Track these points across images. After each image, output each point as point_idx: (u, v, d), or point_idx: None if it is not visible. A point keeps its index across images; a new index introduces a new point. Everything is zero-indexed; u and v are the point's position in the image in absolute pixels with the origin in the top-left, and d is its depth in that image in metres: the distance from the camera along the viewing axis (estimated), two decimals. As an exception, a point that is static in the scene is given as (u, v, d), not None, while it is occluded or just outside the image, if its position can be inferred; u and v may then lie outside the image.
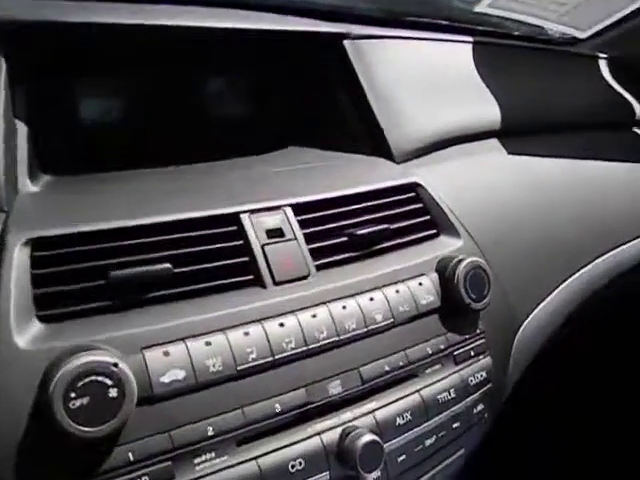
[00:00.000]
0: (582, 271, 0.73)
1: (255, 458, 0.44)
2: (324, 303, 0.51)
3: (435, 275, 0.59)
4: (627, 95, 1.05)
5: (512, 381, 0.65)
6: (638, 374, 1.21)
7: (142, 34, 0.64)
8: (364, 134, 0.72)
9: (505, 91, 0.90)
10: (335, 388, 0.49)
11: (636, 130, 1.00)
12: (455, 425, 0.56)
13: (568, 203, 0.79)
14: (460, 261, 0.58)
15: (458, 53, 0.91)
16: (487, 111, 0.85)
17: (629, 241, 0.80)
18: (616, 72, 1.09)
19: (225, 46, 0.72)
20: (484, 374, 0.59)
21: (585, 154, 0.89)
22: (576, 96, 1.02)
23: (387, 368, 0.52)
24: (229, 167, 0.68)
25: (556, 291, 0.70)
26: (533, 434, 1.20)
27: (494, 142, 0.82)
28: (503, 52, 1.02)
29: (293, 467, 0.45)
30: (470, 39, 0.95)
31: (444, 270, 0.59)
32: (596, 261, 0.75)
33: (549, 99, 0.98)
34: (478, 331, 0.60)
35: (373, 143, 0.71)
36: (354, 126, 0.73)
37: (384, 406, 0.51)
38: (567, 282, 0.71)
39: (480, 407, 0.58)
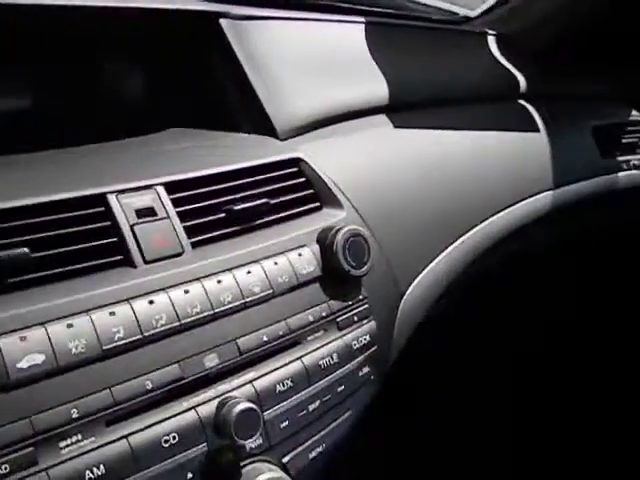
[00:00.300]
0: (462, 239, 0.77)
1: (125, 437, 0.44)
2: (198, 279, 0.51)
3: (316, 246, 0.60)
4: (513, 69, 1.10)
5: (399, 346, 0.67)
6: (520, 341, 1.29)
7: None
8: (247, 113, 0.72)
9: (395, 69, 0.93)
10: (211, 361, 0.50)
11: (521, 102, 1.05)
12: (340, 389, 0.57)
13: (453, 174, 0.82)
14: (339, 230, 0.60)
15: (348, 34, 0.93)
16: (376, 88, 0.87)
17: (506, 208, 0.84)
18: (503, 47, 1.15)
19: (101, 27, 0.70)
20: (368, 338, 0.61)
21: (472, 126, 0.93)
22: (466, 71, 1.06)
23: (266, 338, 0.53)
24: (109, 149, 0.66)
25: (439, 258, 0.73)
26: (421, 397, 1.24)
27: (382, 118, 0.84)
28: (395, 32, 1.04)
29: (167, 442, 0.45)
30: (362, 20, 0.97)
31: (324, 240, 0.60)
32: (475, 229, 0.78)
33: (440, 75, 1.02)
34: (361, 297, 0.62)
35: (256, 122, 0.71)
36: (237, 106, 0.73)
37: (264, 375, 0.52)
38: (449, 249, 0.75)
39: (366, 370, 0.60)
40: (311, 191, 0.65)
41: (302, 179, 0.65)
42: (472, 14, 1.28)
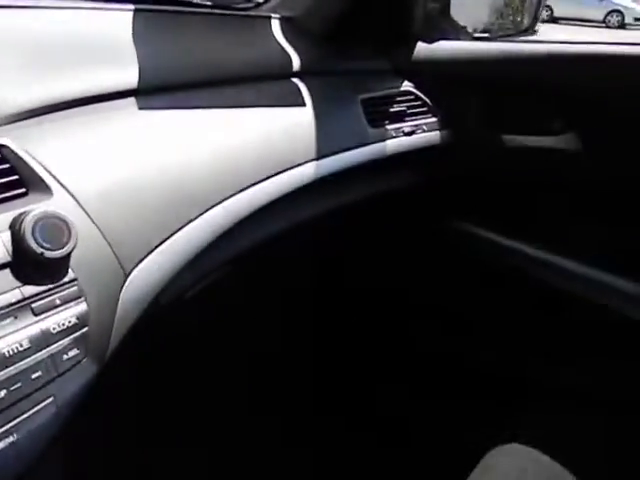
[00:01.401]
0: (201, 219, 0.77)
1: None
2: None
3: (7, 232, 0.58)
4: (291, 50, 1.14)
5: (123, 327, 0.67)
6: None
7: None
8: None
9: (155, 54, 0.92)
10: None
11: (294, 80, 1.08)
12: (36, 375, 0.55)
13: (197, 154, 0.82)
14: (29, 213, 0.58)
15: (102, 21, 0.91)
16: (125, 73, 0.85)
17: (261, 182, 0.86)
18: (286, 30, 1.18)
19: None
20: (74, 319, 0.59)
21: (236, 105, 0.95)
22: (243, 53, 1.08)
23: None
24: None
25: (172, 239, 0.73)
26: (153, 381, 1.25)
27: (129, 101, 0.83)
28: (166, 19, 1.03)
29: None
30: (128, 7, 0.95)
31: (15, 225, 0.58)
32: (217, 208, 0.79)
33: (212, 58, 1.02)
34: (67, 279, 0.60)
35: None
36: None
37: None
38: (185, 230, 0.75)
39: (73, 352, 0.59)
40: (15, 177, 0.63)
41: (5, 165, 0.63)
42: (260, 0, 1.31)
